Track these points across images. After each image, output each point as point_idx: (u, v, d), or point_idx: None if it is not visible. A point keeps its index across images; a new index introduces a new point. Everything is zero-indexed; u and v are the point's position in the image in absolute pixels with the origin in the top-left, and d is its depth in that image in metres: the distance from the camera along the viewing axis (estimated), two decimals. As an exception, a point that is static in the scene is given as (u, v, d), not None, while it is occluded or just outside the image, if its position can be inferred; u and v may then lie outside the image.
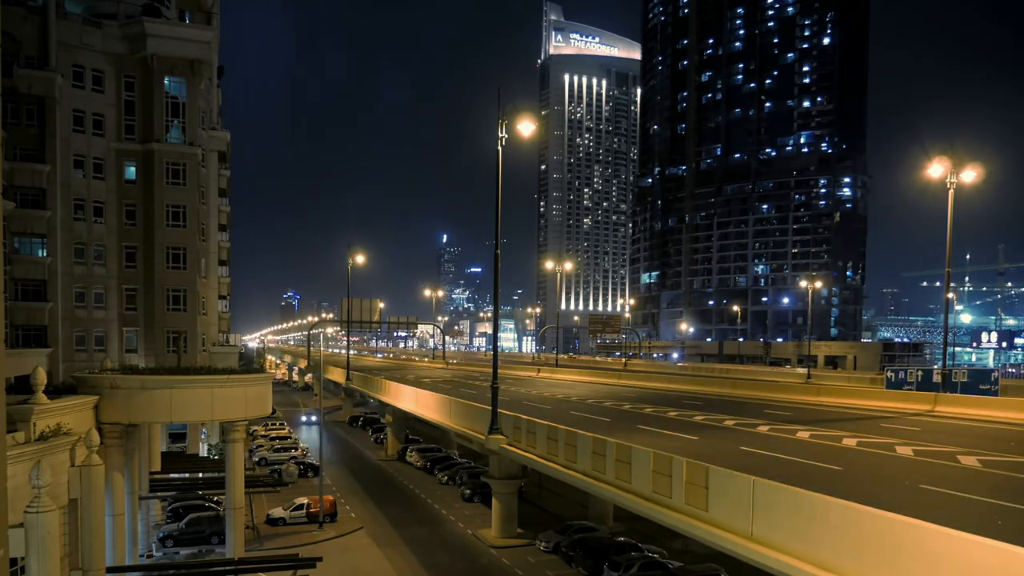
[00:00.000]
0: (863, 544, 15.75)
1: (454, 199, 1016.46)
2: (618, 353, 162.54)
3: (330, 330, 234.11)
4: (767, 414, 43.13)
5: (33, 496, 18.27)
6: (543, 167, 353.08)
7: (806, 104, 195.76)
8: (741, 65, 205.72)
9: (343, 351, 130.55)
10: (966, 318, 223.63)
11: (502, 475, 42.34)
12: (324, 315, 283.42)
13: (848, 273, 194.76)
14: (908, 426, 36.87)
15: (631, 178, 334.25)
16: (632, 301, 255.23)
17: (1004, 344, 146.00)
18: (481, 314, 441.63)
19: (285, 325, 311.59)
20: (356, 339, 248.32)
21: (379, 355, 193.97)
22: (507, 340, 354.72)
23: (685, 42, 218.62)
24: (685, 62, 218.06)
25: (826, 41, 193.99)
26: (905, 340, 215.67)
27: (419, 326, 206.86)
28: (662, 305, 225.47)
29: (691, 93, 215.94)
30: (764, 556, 18.22)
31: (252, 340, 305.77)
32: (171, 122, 50.88)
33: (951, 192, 43.60)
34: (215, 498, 43.79)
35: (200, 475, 45.36)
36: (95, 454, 23.09)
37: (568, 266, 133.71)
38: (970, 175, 43.18)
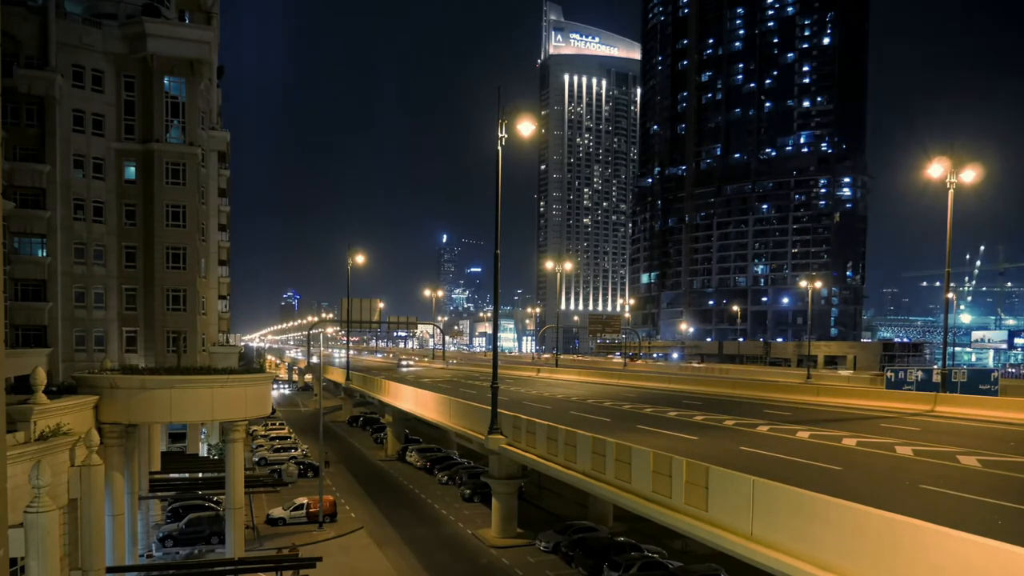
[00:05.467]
0: (863, 544, 15.75)
1: (454, 199, 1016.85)
2: (618, 353, 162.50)
3: (330, 330, 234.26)
4: (767, 414, 43.14)
5: (33, 496, 18.25)
6: (543, 167, 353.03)
7: (806, 104, 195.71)
8: (741, 65, 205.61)
9: (343, 351, 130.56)
10: (966, 318, 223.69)
11: (502, 475, 42.33)
12: (324, 315, 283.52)
13: (848, 273, 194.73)
14: (908, 426, 36.88)
15: (631, 178, 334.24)
16: (632, 301, 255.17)
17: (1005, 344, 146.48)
18: (481, 314, 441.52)
19: (285, 325, 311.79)
20: (356, 339, 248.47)
21: (379, 355, 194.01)
22: (507, 340, 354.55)
23: (685, 42, 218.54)
24: (685, 62, 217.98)
25: (826, 41, 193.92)
26: (905, 340, 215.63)
27: (419, 326, 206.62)
28: (662, 305, 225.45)
29: (691, 93, 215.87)
30: (764, 556, 18.22)
31: (252, 340, 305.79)
32: (171, 122, 50.86)
33: (951, 192, 43.61)
34: (215, 498, 43.77)
35: (200, 475, 45.31)
36: (95, 454, 23.08)
37: (568, 266, 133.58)
38: (970, 175, 43.20)
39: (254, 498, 46.01)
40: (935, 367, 54.16)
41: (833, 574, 16.29)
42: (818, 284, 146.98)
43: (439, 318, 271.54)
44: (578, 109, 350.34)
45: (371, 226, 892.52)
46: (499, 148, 35.87)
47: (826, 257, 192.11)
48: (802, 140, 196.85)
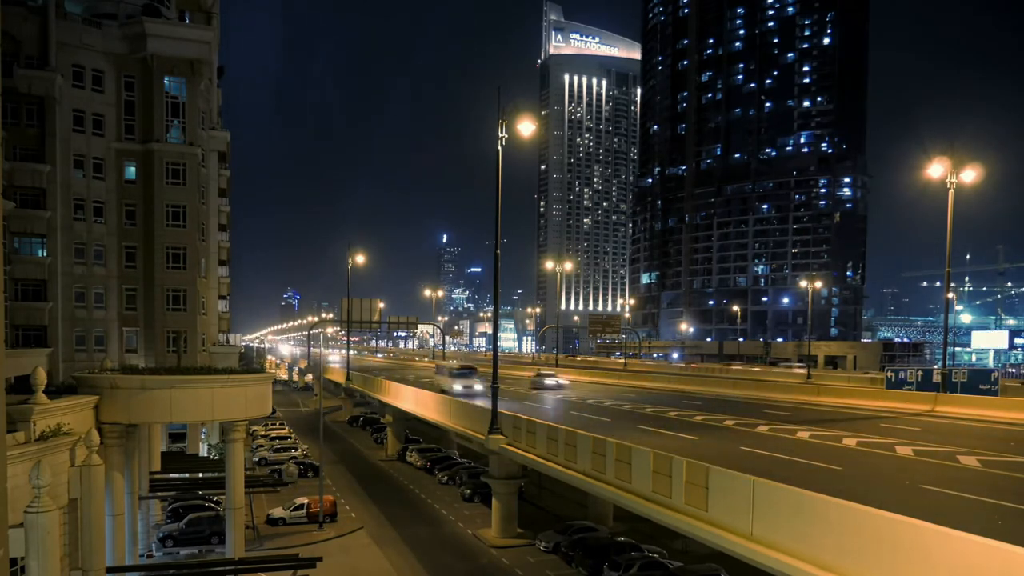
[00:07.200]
0: (863, 544, 15.74)
1: (454, 199, 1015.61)
2: (618, 353, 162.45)
3: (330, 330, 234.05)
4: (767, 414, 43.15)
5: (33, 496, 18.26)
6: (543, 167, 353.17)
7: (806, 104, 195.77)
8: (741, 65, 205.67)
9: (343, 351, 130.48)
10: (966, 318, 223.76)
11: (502, 475, 42.33)
12: (324, 315, 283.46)
13: (848, 273, 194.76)
14: (908, 426, 36.89)
15: (631, 178, 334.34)
16: (632, 301, 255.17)
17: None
18: (481, 314, 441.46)
19: (285, 325, 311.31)
20: (356, 339, 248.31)
21: (379, 355, 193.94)
22: (507, 340, 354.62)
23: (685, 42, 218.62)
24: (685, 62, 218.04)
25: (826, 41, 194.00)
26: (905, 340, 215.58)
27: (419, 326, 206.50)
28: (662, 305, 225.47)
29: (691, 93, 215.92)
30: (764, 556, 18.22)
31: (252, 340, 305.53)
32: (171, 122, 50.85)
33: (951, 192, 43.62)
34: (215, 498, 43.76)
35: (200, 475, 45.30)
36: (95, 454, 23.07)
37: (568, 266, 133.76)
38: (970, 175, 43.22)
39: (254, 498, 46.00)
40: (935, 367, 54.16)
41: (833, 574, 16.28)
42: (818, 284, 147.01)
43: (439, 318, 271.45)
44: (578, 109, 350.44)
45: (371, 226, 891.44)
46: (499, 148, 35.86)
47: (826, 257, 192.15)
48: (802, 140, 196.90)
